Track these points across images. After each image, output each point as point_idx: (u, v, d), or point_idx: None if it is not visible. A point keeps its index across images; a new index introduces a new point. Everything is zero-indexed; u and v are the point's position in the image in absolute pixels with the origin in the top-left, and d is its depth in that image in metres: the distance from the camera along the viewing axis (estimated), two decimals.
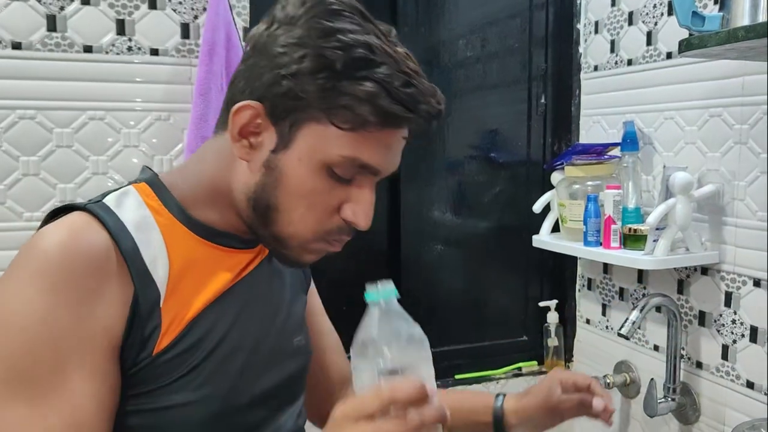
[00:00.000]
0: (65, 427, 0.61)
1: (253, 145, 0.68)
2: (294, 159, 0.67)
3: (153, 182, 0.73)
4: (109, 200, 0.70)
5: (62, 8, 1.23)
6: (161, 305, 0.67)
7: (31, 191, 1.24)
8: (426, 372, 0.62)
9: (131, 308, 0.65)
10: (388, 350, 0.61)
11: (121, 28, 1.27)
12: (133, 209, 0.69)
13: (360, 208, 0.70)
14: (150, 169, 0.77)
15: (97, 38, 1.26)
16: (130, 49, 1.28)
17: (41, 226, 0.70)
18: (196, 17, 1.32)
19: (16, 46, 1.20)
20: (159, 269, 0.68)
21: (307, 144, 0.66)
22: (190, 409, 0.68)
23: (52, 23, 1.22)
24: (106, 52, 1.26)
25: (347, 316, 1.56)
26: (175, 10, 1.30)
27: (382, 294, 0.63)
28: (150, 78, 1.30)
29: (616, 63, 1.50)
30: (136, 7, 1.27)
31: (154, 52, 1.30)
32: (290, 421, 0.82)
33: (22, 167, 1.23)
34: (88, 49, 1.25)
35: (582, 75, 1.62)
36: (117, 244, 0.66)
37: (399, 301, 0.64)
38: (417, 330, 0.63)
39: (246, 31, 1.36)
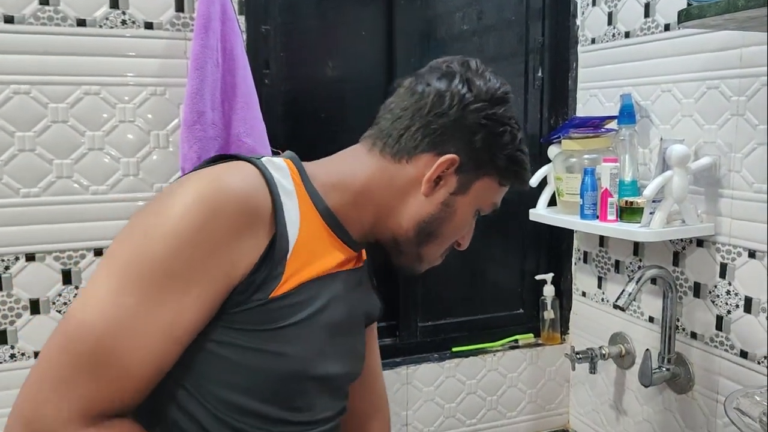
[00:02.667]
0: (163, 331, 0.70)
1: (439, 185, 0.86)
2: (466, 202, 0.88)
3: (297, 162, 0.85)
4: (267, 162, 0.81)
5: None
6: (288, 258, 0.77)
7: (27, 167, 1.23)
8: None
9: (265, 252, 0.75)
10: None
11: (114, 1, 1.25)
12: (284, 177, 0.81)
13: (469, 235, 0.95)
14: (292, 153, 0.88)
15: (90, 11, 1.24)
16: (124, 22, 1.26)
17: (201, 167, 0.80)
18: None
19: (9, 19, 1.19)
20: (292, 230, 0.78)
21: (477, 193, 0.88)
22: (277, 359, 0.78)
23: None
24: (100, 26, 1.25)
25: None
26: None
27: None
28: (144, 52, 1.29)
29: (613, 35, 1.49)
30: None
31: (149, 25, 1.28)
32: (339, 414, 0.91)
33: (18, 143, 1.22)
34: (81, 22, 1.23)
35: (579, 48, 1.61)
36: (273, 199, 0.77)
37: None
38: None
39: (241, 4, 1.34)
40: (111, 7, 1.25)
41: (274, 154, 0.87)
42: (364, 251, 0.96)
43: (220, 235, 0.71)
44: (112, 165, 1.29)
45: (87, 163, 1.27)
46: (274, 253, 0.75)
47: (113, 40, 1.26)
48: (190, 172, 0.79)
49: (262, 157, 0.83)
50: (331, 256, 0.84)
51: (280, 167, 0.82)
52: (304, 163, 0.86)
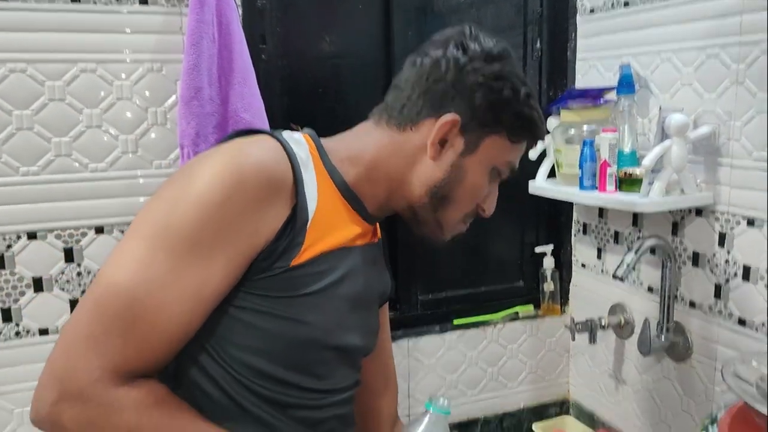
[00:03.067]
0: (193, 296, 0.73)
1: (445, 148, 0.86)
2: (476, 162, 0.87)
3: (315, 138, 0.88)
4: (287, 136, 0.84)
5: None
6: (307, 228, 0.80)
7: (26, 145, 1.23)
8: None
9: (286, 221, 0.78)
10: None
11: None
12: (303, 151, 0.84)
13: (492, 200, 0.94)
14: (310, 129, 0.90)
15: None
16: None
17: (225, 140, 0.84)
18: None
19: None
20: (311, 201, 0.81)
21: (487, 152, 0.87)
22: (297, 327, 0.81)
23: None
24: (95, 2, 1.24)
25: None
26: None
27: (439, 409, 0.91)
28: (140, 28, 1.28)
29: (612, 5, 1.48)
30: None
31: (144, 1, 1.27)
32: (353, 386, 0.95)
33: (16, 121, 1.22)
34: None
35: (578, 18, 1.60)
36: (294, 171, 0.79)
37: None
38: None
39: None
40: None
41: (293, 130, 0.89)
42: (378, 227, 0.98)
43: (245, 205, 0.74)
44: (110, 142, 1.29)
45: (85, 140, 1.27)
46: (295, 222, 0.78)
47: (108, 16, 1.25)
48: (214, 145, 0.83)
49: (283, 131, 0.86)
50: (348, 229, 0.86)
51: (300, 142, 0.85)
52: (321, 139, 0.89)
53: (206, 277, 0.74)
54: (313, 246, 0.81)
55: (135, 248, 0.73)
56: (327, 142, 0.89)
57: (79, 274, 1.30)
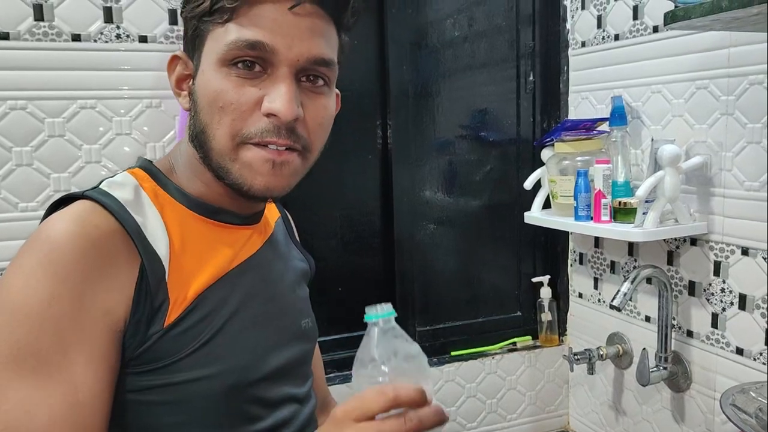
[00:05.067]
0: (67, 407, 0.64)
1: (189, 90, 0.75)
2: (202, 73, 0.72)
3: (146, 167, 0.78)
4: (105, 185, 0.73)
5: None
6: (167, 280, 0.70)
7: (25, 181, 1.24)
8: (425, 387, 0.63)
9: (138, 284, 0.68)
10: (387, 368, 0.64)
11: (108, 15, 1.26)
12: (130, 191, 0.73)
13: (276, 95, 0.69)
14: (144, 158, 0.81)
15: (85, 26, 1.25)
16: (118, 36, 1.27)
17: (43, 219, 0.72)
18: None
19: (4, 36, 1.20)
20: (160, 246, 0.71)
21: (208, 53, 0.72)
22: (208, 382, 0.72)
23: (39, 12, 1.22)
24: (95, 41, 1.26)
25: (342, 297, 1.58)
26: None
27: (380, 314, 0.67)
28: (139, 65, 1.30)
29: (603, 38, 1.51)
30: None
31: (143, 39, 1.29)
32: (305, 401, 0.86)
33: (15, 158, 1.23)
34: (76, 37, 1.25)
35: (570, 51, 1.63)
36: (121, 224, 0.69)
37: (396, 311, 0.67)
38: (415, 348, 0.67)
39: None
40: (105, 22, 1.26)
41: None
42: (272, 213, 0.89)
43: (76, 293, 0.64)
44: None
45: (84, 176, 1.28)
46: (149, 281, 0.69)
47: (108, 54, 1.27)
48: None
49: (102, 181, 0.75)
50: (223, 251, 0.76)
51: (123, 184, 0.74)
52: (161, 159, 0.80)
53: (73, 383, 0.64)
54: (183, 294, 0.71)
55: None
56: (167, 163, 0.79)
57: None
